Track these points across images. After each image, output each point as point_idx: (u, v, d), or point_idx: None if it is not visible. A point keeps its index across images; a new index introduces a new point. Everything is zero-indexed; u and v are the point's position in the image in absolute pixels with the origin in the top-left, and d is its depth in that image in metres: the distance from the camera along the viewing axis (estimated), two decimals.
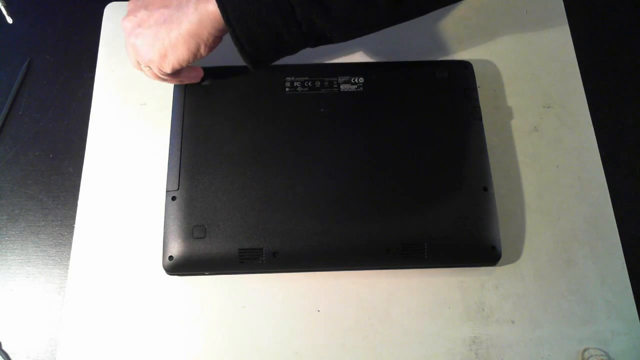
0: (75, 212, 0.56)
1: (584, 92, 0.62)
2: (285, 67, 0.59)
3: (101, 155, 0.59)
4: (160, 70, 0.50)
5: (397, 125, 0.55)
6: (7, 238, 0.57)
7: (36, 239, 0.57)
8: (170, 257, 0.51)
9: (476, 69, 0.59)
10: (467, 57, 0.62)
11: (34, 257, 0.56)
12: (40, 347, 0.52)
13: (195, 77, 0.56)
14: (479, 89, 0.58)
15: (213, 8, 0.44)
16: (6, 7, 0.49)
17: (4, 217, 0.58)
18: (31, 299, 0.54)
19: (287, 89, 0.57)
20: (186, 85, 0.57)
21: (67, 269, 0.54)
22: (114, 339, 0.51)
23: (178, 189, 0.53)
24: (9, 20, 0.49)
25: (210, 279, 0.53)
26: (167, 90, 0.59)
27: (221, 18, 0.44)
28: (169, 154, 0.55)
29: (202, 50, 0.48)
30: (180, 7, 0.46)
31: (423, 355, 0.51)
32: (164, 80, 0.53)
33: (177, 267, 0.51)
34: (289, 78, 0.58)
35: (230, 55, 0.64)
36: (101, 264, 0.54)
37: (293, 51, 0.48)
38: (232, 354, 0.51)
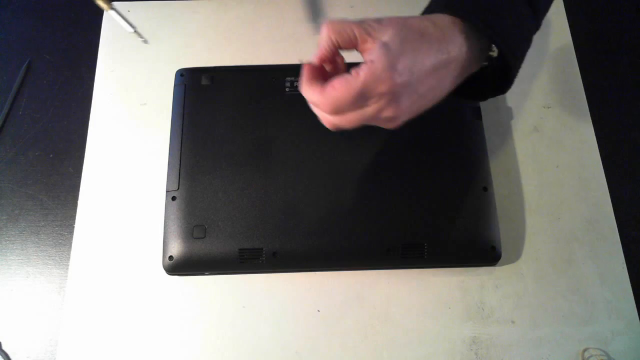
0: (75, 212, 0.56)
1: (584, 92, 0.62)
2: (286, 67, 0.59)
3: (101, 155, 0.59)
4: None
5: None
6: (7, 238, 0.57)
7: (36, 239, 0.57)
8: (170, 257, 0.51)
9: None
10: None
11: (34, 257, 0.56)
12: (40, 347, 0.52)
13: None
14: None
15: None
16: (137, 32, 0.47)
17: (4, 217, 0.58)
18: (31, 299, 0.54)
19: (287, 89, 0.57)
20: (186, 85, 0.57)
21: (67, 269, 0.54)
22: (114, 339, 0.51)
23: (178, 189, 0.53)
24: (144, 41, 0.47)
25: (210, 279, 0.53)
26: (167, 90, 0.59)
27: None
28: (169, 154, 0.55)
29: None
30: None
31: (423, 355, 0.51)
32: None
33: (177, 267, 0.51)
34: (289, 78, 0.58)
35: (230, 55, 0.64)
36: (101, 264, 0.54)
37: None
38: (232, 354, 0.51)
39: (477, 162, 0.54)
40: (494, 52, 0.43)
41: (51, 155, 0.61)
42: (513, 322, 0.52)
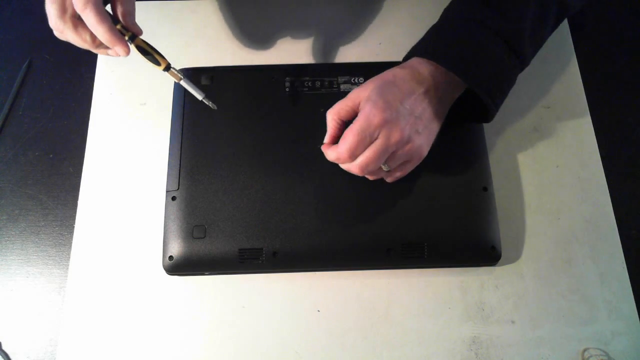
0: (75, 212, 0.56)
1: (584, 92, 0.62)
2: (285, 67, 0.59)
3: (101, 155, 0.59)
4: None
5: None
6: (7, 238, 0.57)
7: (36, 239, 0.57)
8: (170, 257, 0.51)
9: None
10: None
11: (34, 257, 0.56)
12: (40, 347, 0.52)
13: None
14: None
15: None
16: (207, 99, 0.50)
17: (4, 217, 0.58)
18: (31, 299, 0.54)
19: (287, 89, 0.57)
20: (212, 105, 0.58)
21: (67, 269, 0.54)
22: (114, 339, 0.51)
23: (178, 189, 0.53)
24: (213, 106, 0.50)
25: (210, 279, 0.53)
26: (167, 90, 0.59)
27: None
28: (169, 154, 0.55)
29: None
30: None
31: (423, 355, 0.51)
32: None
33: (177, 267, 0.51)
34: (289, 78, 0.58)
35: (230, 55, 0.64)
36: (101, 264, 0.54)
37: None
38: (232, 354, 0.51)
39: (477, 162, 0.54)
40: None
41: (51, 155, 0.61)
42: (513, 322, 0.52)
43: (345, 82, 0.58)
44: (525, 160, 0.59)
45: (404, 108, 0.45)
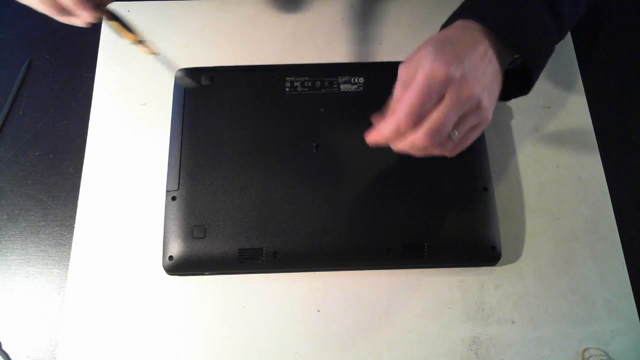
0: (75, 212, 0.56)
1: (584, 92, 0.62)
2: (285, 67, 0.59)
3: (101, 155, 0.59)
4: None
5: None
6: (7, 238, 0.57)
7: (36, 239, 0.57)
8: (170, 257, 0.51)
9: None
10: None
11: (34, 257, 0.56)
12: (40, 347, 0.52)
13: None
14: None
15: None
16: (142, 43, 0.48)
17: (4, 217, 0.58)
18: (31, 299, 0.54)
19: (287, 89, 0.57)
20: (186, 85, 0.57)
21: (67, 269, 0.54)
22: (114, 338, 0.51)
23: (178, 189, 0.53)
24: (156, 53, 0.49)
25: (210, 279, 0.53)
26: (167, 90, 0.59)
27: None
28: (169, 154, 0.55)
29: None
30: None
31: (423, 355, 0.51)
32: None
33: (177, 267, 0.51)
34: (289, 78, 0.58)
35: (230, 55, 0.64)
36: (101, 264, 0.54)
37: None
38: (232, 354, 0.51)
39: (477, 162, 0.54)
40: (517, 56, 0.44)
41: (51, 155, 0.61)
42: (513, 322, 0.52)
43: (345, 82, 0.58)
44: (525, 160, 0.59)
45: (469, 64, 0.39)
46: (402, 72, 0.41)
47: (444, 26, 0.45)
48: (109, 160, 0.59)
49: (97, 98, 0.62)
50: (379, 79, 0.58)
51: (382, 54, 0.64)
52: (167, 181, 0.54)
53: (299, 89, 0.57)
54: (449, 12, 0.44)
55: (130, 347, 0.51)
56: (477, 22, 0.42)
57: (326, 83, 0.57)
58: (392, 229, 0.52)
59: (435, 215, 0.52)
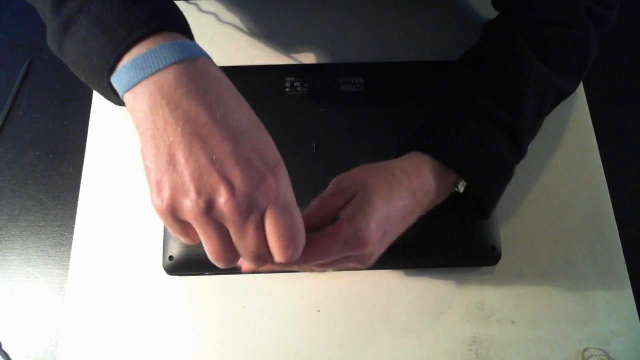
0: (75, 212, 0.56)
1: (584, 92, 0.62)
2: (286, 67, 0.59)
3: (101, 155, 0.59)
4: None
5: (397, 125, 0.55)
6: (7, 238, 0.57)
7: (36, 239, 0.57)
8: (170, 257, 0.51)
9: None
10: None
11: (34, 257, 0.56)
12: (40, 347, 0.52)
13: None
14: None
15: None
16: None
17: (4, 217, 0.58)
18: (31, 299, 0.54)
19: (287, 89, 0.57)
20: None
21: (67, 269, 0.54)
22: (114, 338, 0.51)
23: None
24: None
25: (210, 279, 0.53)
26: None
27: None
28: None
29: None
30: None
31: (423, 355, 0.51)
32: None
33: (177, 267, 0.51)
34: (289, 78, 0.58)
35: (231, 55, 0.64)
36: (101, 264, 0.54)
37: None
38: (232, 354, 0.51)
39: None
40: (461, 188, 0.45)
41: (51, 155, 0.61)
42: (513, 322, 0.52)
43: (345, 82, 0.57)
44: (526, 161, 0.59)
45: (392, 229, 0.40)
46: (335, 187, 0.41)
47: (399, 151, 0.45)
48: (109, 160, 0.59)
49: (97, 98, 0.62)
50: (379, 79, 0.58)
51: (382, 54, 0.64)
52: None
53: (299, 89, 0.57)
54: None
55: (131, 347, 0.51)
56: (429, 156, 0.43)
57: (326, 83, 0.57)
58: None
59: (435, 215, 0.52)
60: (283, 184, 0.32)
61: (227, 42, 0.65)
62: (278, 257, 0.32)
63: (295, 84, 0.57)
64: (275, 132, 0.56)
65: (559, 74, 0.48)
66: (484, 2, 0.67)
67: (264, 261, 0.32)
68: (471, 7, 0.67)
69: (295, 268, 0.40)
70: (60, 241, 0.57)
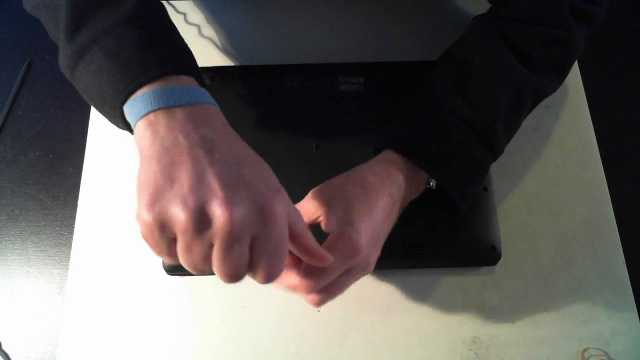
0: (75, 212, 0.56)
1: (584, 92, 0.62)
2: (286, 67, 0.59)
3: (101, 155, 0.59)
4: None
5: None
6: (7, 238, 0.57)
7: (36, 239, 0.57)
8: None
9: None
10: None
11: (34, 257, 0.56)
12: (40, 347, 0.52)
13: None
14: None
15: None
16: None
17: (4, 217, 0.58)
18: (31, 299, 0.54)
19: (287, 89, 0.57)
20: None
21: (67, 269, 0.54)
22: (114, 339, 0.51)
23: None
24: None
25: (210, 279, 0.53)
26: None
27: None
28: None
29: None
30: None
31: (423, 355, 0.51)
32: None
33: (177, 267, 0.51)
34: (289, 78, 0.58)
35: (230, 55, 0.64)
36: (101, 264, 0.54)
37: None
38: (232, 354, 0.51)
39: None
40: (433, 185, 0.46)
41: (51, 155, 0.61)
42: (513, 322, 0.52)
43: (345, 82, 0.58)
44: (525, 161, 0.59)
45: (379, 228, 0.41)
46: (311, 195, 0.43)
47: (376, 149, 0.47)
48: (109, 160, 0.59)
49: None
50: (379, 79, 0.58)
51: (382, 54, 0.64)
52: None
53: (299, 89, 0.57)
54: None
55: (131, 347, 0.51)
56: (399, 155, 0.44)
57: (326, 83, 0.57)
58: (391, 230, 0.51)
59: (435, 216, 0.52)
60: (281, 211, 0.33)
61: (227, 42, 0.65)
62: (260, 279, 0.35)
63: (295, 84, 0.57)
64: (275, 131, 0.56)
65: (538, 74, 0.48)
66: (483, 2, 0.67)
67: (238, 280, 0.34)
68: (471, 7, 0.67)
69: (317, 298, 0.40)
70: (60, 241, 0.57)
